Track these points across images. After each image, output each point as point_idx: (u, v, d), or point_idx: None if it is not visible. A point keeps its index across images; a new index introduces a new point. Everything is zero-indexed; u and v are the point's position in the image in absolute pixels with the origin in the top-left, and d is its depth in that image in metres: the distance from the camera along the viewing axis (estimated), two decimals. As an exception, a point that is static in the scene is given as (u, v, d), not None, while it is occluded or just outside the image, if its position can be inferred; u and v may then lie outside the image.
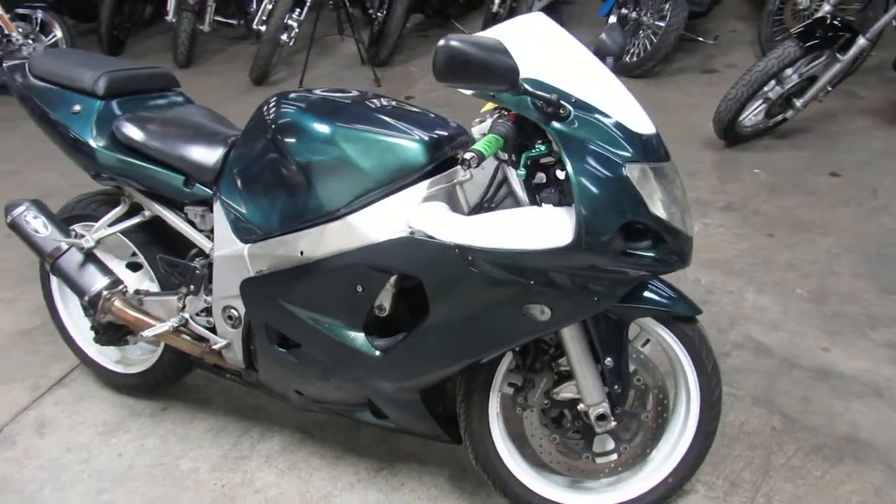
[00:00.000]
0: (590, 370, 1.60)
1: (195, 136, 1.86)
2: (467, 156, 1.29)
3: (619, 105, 1.43)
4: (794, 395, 2.13)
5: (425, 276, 1.50)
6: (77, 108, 1.93)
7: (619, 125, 1.39)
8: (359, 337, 1.65)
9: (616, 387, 1.62)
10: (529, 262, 1.39)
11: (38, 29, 5.44)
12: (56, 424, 2.26)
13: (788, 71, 3.38)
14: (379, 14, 5.50)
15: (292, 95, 1.71)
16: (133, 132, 1.87)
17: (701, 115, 3.95)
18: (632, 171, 1.36)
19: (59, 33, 5.48)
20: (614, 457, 1.71)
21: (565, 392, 1.66)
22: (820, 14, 3.36)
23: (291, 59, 5.79)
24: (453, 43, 1.21)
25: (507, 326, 1.50)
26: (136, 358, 2.29)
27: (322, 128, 1.59)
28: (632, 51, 4.69)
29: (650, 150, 1.42)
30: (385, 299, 1.61)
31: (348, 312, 1.64)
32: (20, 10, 5.33)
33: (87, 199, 2.12)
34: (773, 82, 3.43)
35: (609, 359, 1.60)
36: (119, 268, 2.18)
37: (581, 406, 1.64)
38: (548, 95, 1.33)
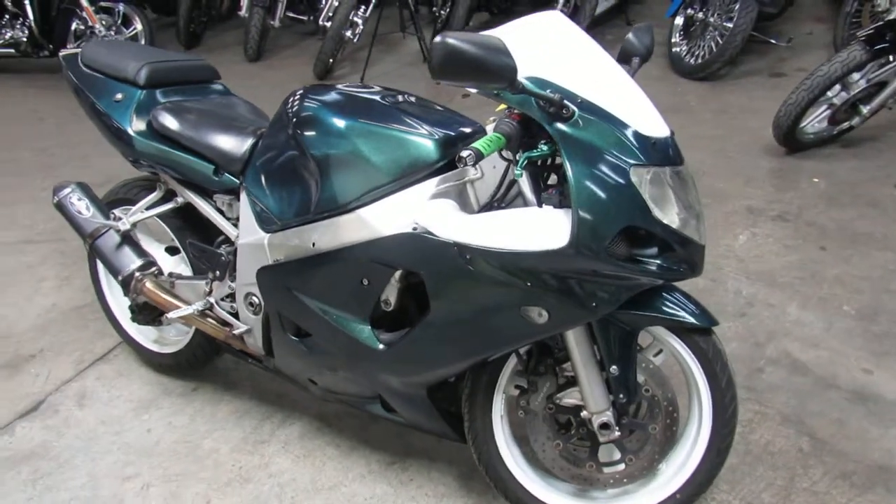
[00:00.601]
0: (594, 377, 1.57)
1: (227, 126, 1.92)
2: (464, 153, 1.29)
3: (630, 107, 1.39)
4: (828, 416, 2.02)
5: (425, 272, 1.51)
6: (119, 96, 2.02)
7: (626, 127, 1.35)
8: (365, 330, 1.67)
9: (621, 396, 1.58)
10: (525, 263, 1.38)
11: (119, 22, 5.72)
12: (95, 397, 2.38)
13: (855, 76, 3.20)
14: (442, 12, 5.53)
15: (314, 90, 1.75)
16: (168, 121, 1.95)
17: (763, 120, 3.78)
18: (637, 175, 1.33)
19: (139, 26, 5.75)
20: (621, 467, 1.67)
21: (569, 398, 1.63)
22: (893, 17, 3.16)
23: (355, 55, 5.89)
24: (450, 40, 1.21)
25: (504, 328, 1.48)
26: (170, 338, 2.38)
27: (336, 122, 1.61)
28: (697, 52, 4.55)
29: (661, 153, 1.38)
30: (391, 294, 1.62)
31: (355, 305, 1.66)
32: (103, 3, 5.62)
33: (130, 184, 2.22)
34: (838, 87, 3.25)
35: (615, 367, 1.56)
36: (158, 251, 2.28)
37: (585, 413, 1.61)
38: (550, 95, 1.31)
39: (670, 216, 1.37)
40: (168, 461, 2.10)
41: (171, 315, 1.95)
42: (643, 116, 1.40)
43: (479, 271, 1.43)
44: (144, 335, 2.42)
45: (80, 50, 2.18)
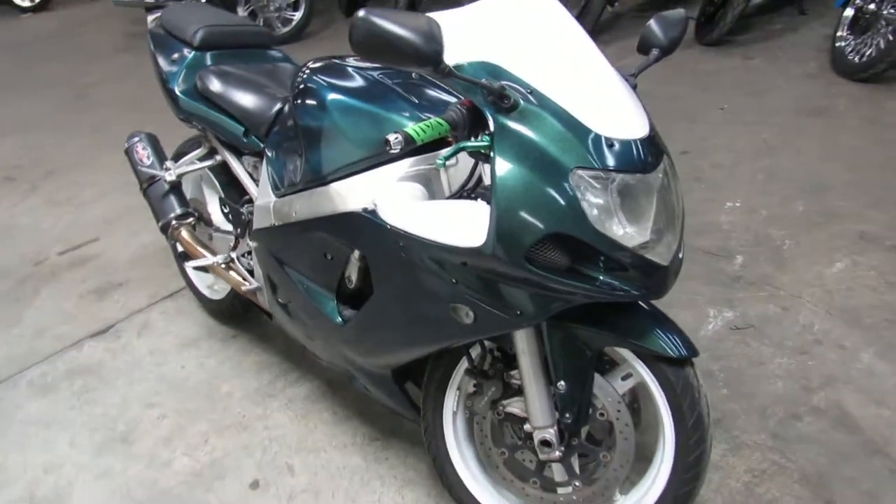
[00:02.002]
0: (540, 390, 1.46)
1: (260, 91, 1.99)
2: (391, 137, 1.23)
3: (594, 103, 1.25)
4: (859, 486, 1.72)
5: (368, 254, 1.48)
6: (175, 56, 2.17)
7: (578, 125, 1.22)
8: (330, 303, 1.68)
9: (567, 416, 1.46)
10: (449, 257, 1.30)
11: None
12: (152, 330, 2.62)
13: None
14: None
15: (319, 62, 1.76)
16: (210, 82, 2.06)
17: (923, 134, 3.25)
18: (579, 179, 1.20)
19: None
20: (567, 490, 1.55)
21: (513, 407, 1.53)
22: None
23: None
24: (371, 17, 1.15)
25: (436, 323, 1.42)
26: (220, 286, 2.55)
27: (321, 95, 1.62)
28: (862, 50, 3.96)
29: (620, 157, 1.22)
30: (352, 271, 1.61)
31: (322, 278, 1.68)
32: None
33: (191, 140, 2.38)
34: None
35: (563, 383, 1.44)
36: (213, 202, 2.43)
37: (528, 426, 1.50)
38: (485, 82, 1.21)
39: (619, 229, 1.23)
40: (188, 397, 2.26)
41: (188, 263, 2.09)
42: (609, 115, 1.25)
43: (411, 260, 1.38)
44: (201, 280, 2.61)
45: (161, 11, 2.36)
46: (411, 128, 1.26)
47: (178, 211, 2.20)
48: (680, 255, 1.38)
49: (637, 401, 1.60)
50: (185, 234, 2.19)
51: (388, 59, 1.19)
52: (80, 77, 5.72)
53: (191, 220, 2.21)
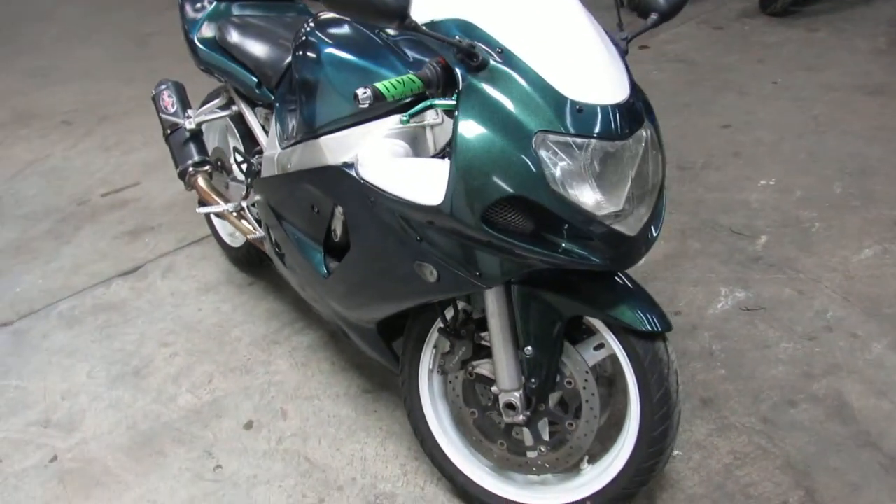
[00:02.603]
0: (507, 353, 1.47)
1: (275, 44, 2.02)
2: (359, 91, 1.24)
3: (569, 67, 1.22)
4: (843, 477, 1.67)
5: (345, 209, 1.50)
6: (199, 5, 2.22)
7: (548, 87, 1.19)
8: (317, 256, 1.71)
9: (533, 381, 1.47)
10: (412, 215, 1.31)
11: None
12: (177, 272, 2.73)
13: None
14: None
15: (323, 16, 1.76)
16: (227, 33, 2.10)
17: None
18: (543, 143, 1.18)
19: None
20: (533, 455, 1.57)
21: (482, 368, 1.54)
22: None
23: None
24: None
25: (403, 280, 1.44)
26: (239, 234, 2.63)
27: (318, 48, 1.63)
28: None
29: (590, 122, 1.20)
30: (337, 225, 1.64)
31: (310, 230, 1.71)
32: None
33: (216, 90, 2.44)
34: None
35: (530, 348, 1.45)
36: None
37: (495, 388, 1.51)
38: (451, 39, 1.20)
39: (585, 196, 1.21)
40: (200, 339, 2.36)
41: (198, 210, 2.16)
42: (583, 79, 1.22)
43: (381, 216, 1.39)
44: (224, 227, 2.69)
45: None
46: (381, 83, 1.26)
47: (196, 158, 2.27)
48: (654, 229, 1.36)
49: (611, 372, 1.60)
50: (200, 181, 2.26)
51: (355, 13, 1.19)
52: (141, 27, 5.89)
53: (207, 167, 2.28)
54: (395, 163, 1.40)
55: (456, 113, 1.23)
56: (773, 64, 3.99)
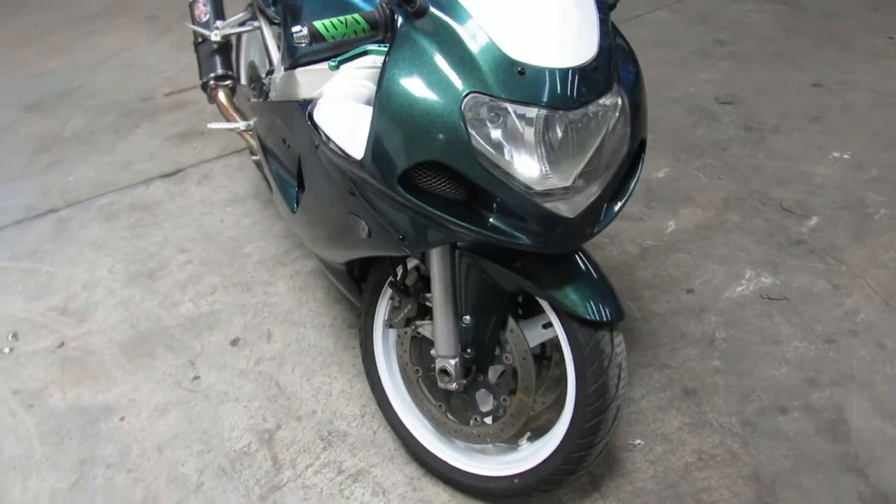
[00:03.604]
0: (447, 319, 1.40)
1: None
2: (295, 29, 1.16)
3: (520, 22, 1.08)
4: (812, 500, 1.52)
5: (299, 148, 1.45)
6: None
7: (487, 44, 1.07)
8: (291, 190, 1.68)
9: (469, 351, 1.40)
10: (343, 164, 1.24)
11: None
12: (211, 180, 2.80)
13: None
14: None
15: None
16: (250, -55, 2.03)
17: None
18: (472, 106, 1.07)
19: None
20: (468, 424, 1.52)
21: (425, 330, 1.49)
22: None
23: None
24: None
25: (341, 231, 1.39)
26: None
27: (301, -28, 1.55)
28: None
29: (531, 87, 1.06)
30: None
31: (285, 162, 1.68)
32: None
33: (249, 4, 2.39)
34: None
35: (468, 317, 1.38)
36: (262, 68, 2.47)
37: (433, 351, 1.46)
38: None
39: (520, 169, 1.09)
40: (214, 250, 2.43)
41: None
42: (535, 37, 1.08)
43: (322, 161, 1.33)
44: (258, 142, 2.71)
45: None
46: (321, 22, 1.17)
47: (219, 72, 2.27)
48: (607, 210, 1.23)
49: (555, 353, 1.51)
50: (221, 95, 2.26)
51: None
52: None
53: (228, 82, 2.27)
54: (344, 107, 1.32)
55: (384, 61, 1.13)
56: (893, 15, 3.48)
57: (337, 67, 1.21)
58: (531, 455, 1.46)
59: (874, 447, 1.62)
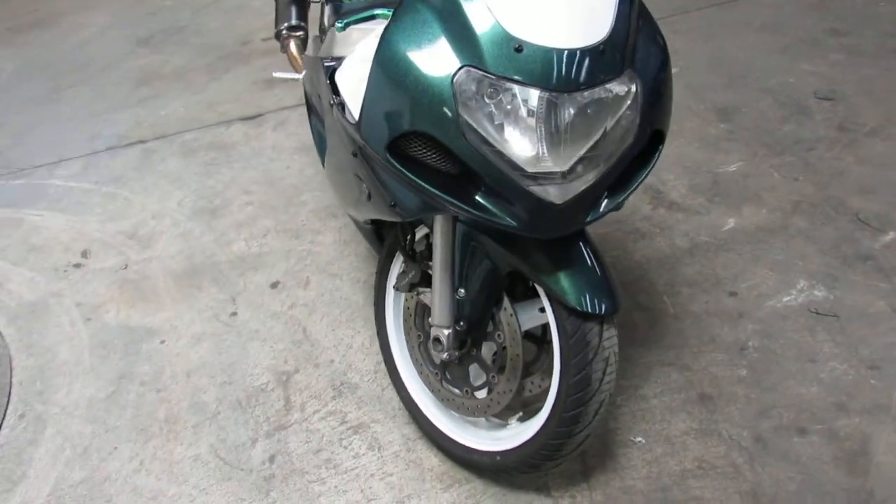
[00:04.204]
0: (443, 290, 1.41)
1: None
2: None
3: (527, 2, 1.05)
4: (809, 529, 1.44)
5: (321, 107, 1.47)
6: None
7: (487, 17, 1.04)
8: (322, 145, 1.73)
9: (462, 324, 1.41)
10: (346, 124, 1.26)
11: None
12: (286, 127, 2.91)
13: None
14: None
15: None
16: None
17: None
18: (466, 81, 1.05)
19: None
20: (457, 393, 1.53)
21: (425, 297, 1.50)
22: None
23: None
24: None
25: (349, 190, 1.41)
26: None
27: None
28: None
29: (528, 65, 1.02)
30: None
31: (320, 116, 1.71)
32: None
33: (332, -45, 2.43)
34: None
35: (462, 290, 1.38)
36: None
37: (430, 319, 1.48)
38: None
39: (510, 149, 1.07)
40: (274, 194, 2.54)
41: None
42: (538, 13, 1.04)
43: (336, 119, 1.36)
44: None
45: None
46: None
47: (292, 22, 2.31)
48: (604, 200, 1.19)
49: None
50: (291, 45, 2.31)
51: None
52: None
53: (300, 33, 2.32)
54: (361, 68, 1.33)
55: (385, 26, 1.13)
56: None
57: (343, 29, 1.23)
58: (516, 435, 1.46)
59: (893, 485, 1.50)
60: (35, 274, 2.30)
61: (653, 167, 1.26)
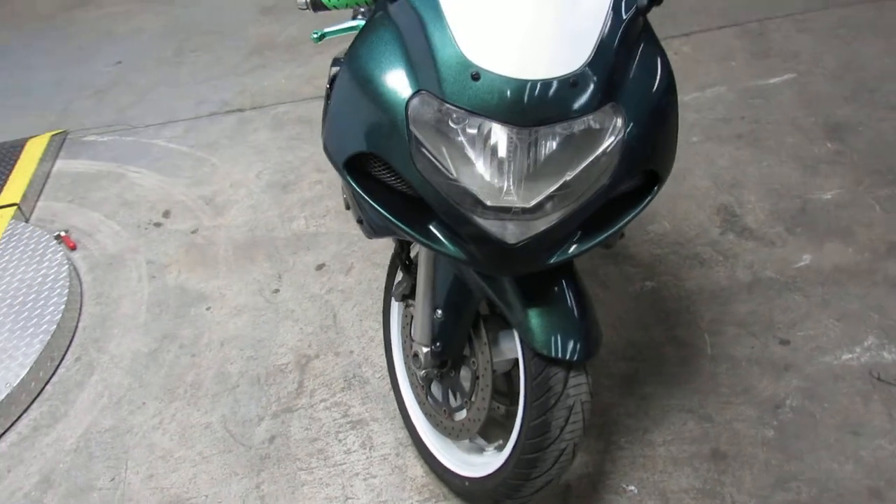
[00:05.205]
0: (423, 307, 1.38)
1: None
2: None
3: (495, 22, 0.97)
4: None
5: None
6: None
7: (447, 41, 0.98)
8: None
9: (438, 344, 1.37)
10: None
11: None
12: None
13: None
14: None
15: None
16: None
17: None
18: (421, 105, 1.00)
19: None
20: (437, 411, 1.50)
21: (412, 309, 1.47)
22: None
23: None
24: None
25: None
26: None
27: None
28: None
29: (483, 94, 0.96)
30: None
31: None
32: None
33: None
34: None
35: (440, 312, 1.34)
36: None
37: (411, 333, 1.45)
38: None
39: (460, 181, 1.01)
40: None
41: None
42: (503, 41, 0.96)
43: None
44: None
45: None
46: None
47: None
48: (572, 243, 1.09)
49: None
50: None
51: None
52: None
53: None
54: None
55: (353, 41, 1.09)
56: None
57: (319, 40, 1.20)
58: (486, 464, 1.41)
59: None
60: (121, 228, 2.51)
61: (641, 210, 1.14)
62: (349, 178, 1.11)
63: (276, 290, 2.16)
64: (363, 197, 1.10)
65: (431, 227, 1.09)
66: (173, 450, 1.75)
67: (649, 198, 1.12)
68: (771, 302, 1.86)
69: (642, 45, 1.06)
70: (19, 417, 1.87)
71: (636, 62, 1.05)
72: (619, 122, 1.00)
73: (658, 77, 1.07)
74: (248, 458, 1.70)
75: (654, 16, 3.25)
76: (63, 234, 2.45)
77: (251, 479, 1.65)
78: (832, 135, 2.37)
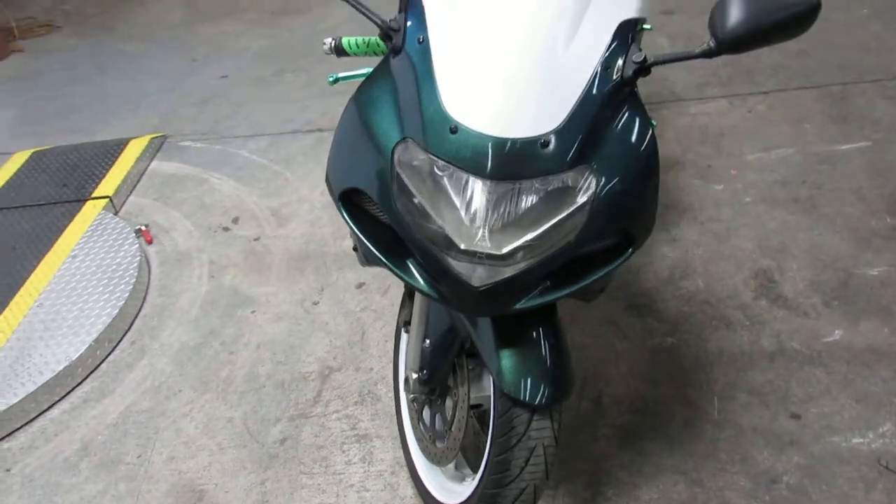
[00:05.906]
0: (415, 335, 1.47)
1: None
2: (326, 39, 1.32)
3: (477, 82, 1.07)
4: None
5: None
6: None
7: (434, 95, 1.08)
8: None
9: (424, 371, 1.45)
10: None
11: None
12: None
13: None
14: None
15: None
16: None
17: None
18: (405, 151, 1.10)
19: None
20: (425, 435, 1.57)
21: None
22: None
23: None
24: None
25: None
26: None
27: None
28: None
29: (459, 148, 1.05)
30: None
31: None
32: None
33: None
34: None
35: (428, 341, 1.42)
36: None
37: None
38: (369, 14, 1.16)
39: (435, 224, 1.10)
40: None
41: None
42: (482, 100, 1.05)
43: None
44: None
45: None
46: (349, 39, 1.30)
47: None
48: (544, 289, 1.14)
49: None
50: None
51: None
52: None
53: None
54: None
55: (361, 83, 1.21)
56: None
57: (334, 83, 1.32)
58: (462, 493, 1.47)
59: None
60: (195, 229, 2.74)
61: (614, 269, 1.18)
62: (342, 210, 1.22)
63: (316, 302, 2.30)
64: (353, 229, 1.21)
65: (409, 263, 1.18)
66: (196, 437, 1.91)
67: (622, 258, 1.16)
68: (791, 374, 1.81)
69: (626, 111, 1.12)
70: (73, 389, 2.10)
71: (617, 127, 1.10)
72: (592, 183, 1.06)
73: (637, 142, 1.12)
74: (259, 455, 1.84)
75: (728, 71, 3.19)
76: (143, 228, 2.71)
77: (258, 475, 1.78)
78: (895, 209, 2.27)
